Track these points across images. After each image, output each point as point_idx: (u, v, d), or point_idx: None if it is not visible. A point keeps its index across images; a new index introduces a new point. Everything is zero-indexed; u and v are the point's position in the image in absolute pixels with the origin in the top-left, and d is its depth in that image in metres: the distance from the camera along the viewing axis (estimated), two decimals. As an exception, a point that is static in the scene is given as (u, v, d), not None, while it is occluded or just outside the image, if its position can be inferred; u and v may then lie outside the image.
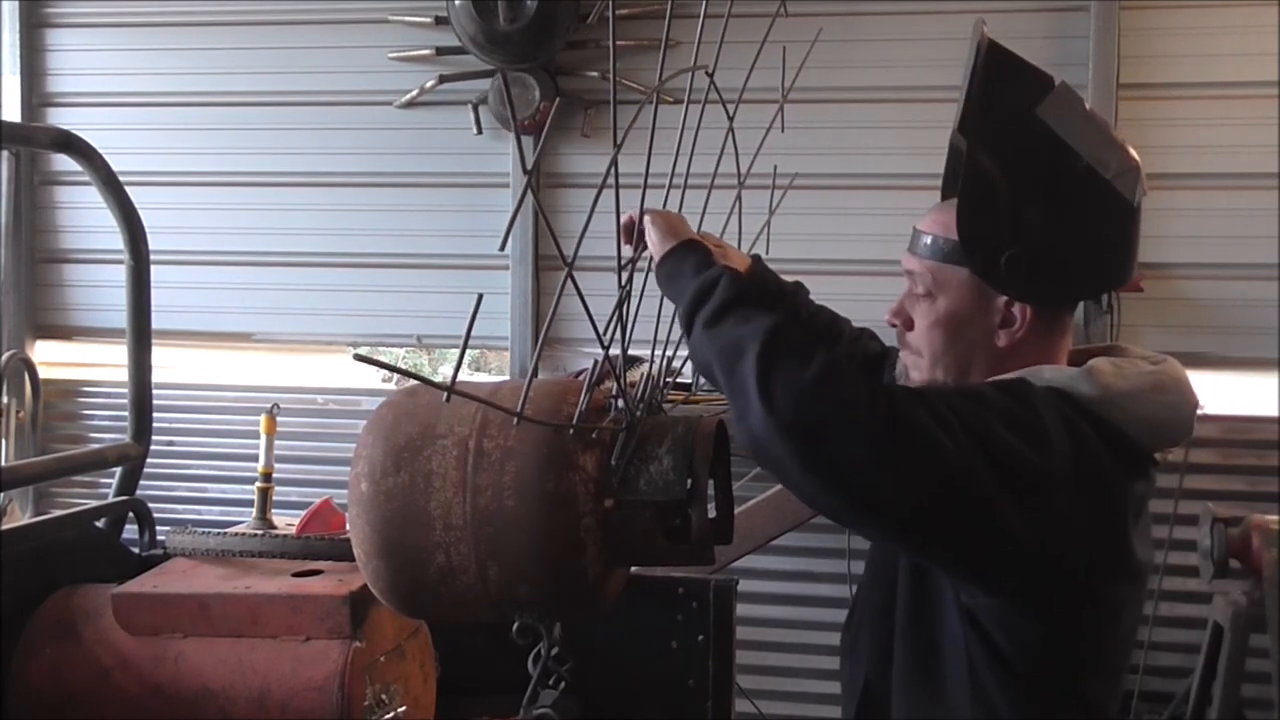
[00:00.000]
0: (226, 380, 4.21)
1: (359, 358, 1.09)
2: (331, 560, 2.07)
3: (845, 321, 1.79)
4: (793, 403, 1.09)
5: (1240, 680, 3.07)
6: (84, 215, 4.18)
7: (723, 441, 1.46)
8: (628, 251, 1.48)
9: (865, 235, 3.71)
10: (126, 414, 2.50)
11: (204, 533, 2.19)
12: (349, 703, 1.81)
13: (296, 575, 2.00)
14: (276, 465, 2.81)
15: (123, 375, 2.52)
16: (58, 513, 2.32)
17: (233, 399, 4.15)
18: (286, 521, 2.76)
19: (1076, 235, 1.27)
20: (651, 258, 1.45)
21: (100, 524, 2.33)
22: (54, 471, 2.48)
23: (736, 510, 1.62)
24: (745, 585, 2.49)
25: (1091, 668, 1.28)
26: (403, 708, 1.96)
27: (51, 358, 4.28)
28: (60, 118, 4.19)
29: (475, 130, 3.91)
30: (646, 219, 1.44)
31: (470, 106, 3.89)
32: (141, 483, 2.48)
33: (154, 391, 2.52)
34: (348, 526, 1.48)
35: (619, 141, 1.22)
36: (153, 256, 2.47)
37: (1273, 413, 3.58)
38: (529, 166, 1.11)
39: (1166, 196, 3.64)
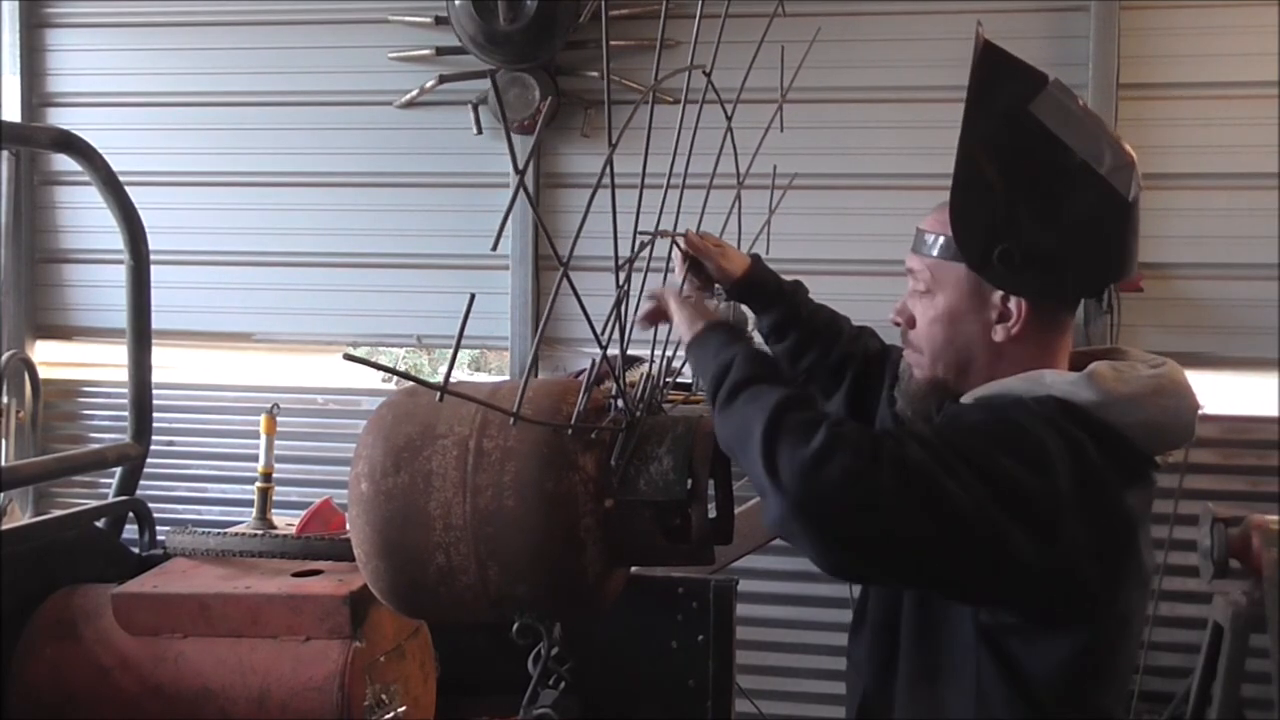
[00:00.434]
0: (226, 380, 4.21)
1: (350, 357, 1.09)
2: (331, 560, 2.07)
3: (845, 320, 1.79)
4: (797, 480, 1.11)
5: (1240, 680, 3.07)
6: (84, 215, 4.18)
7: (722, 441, 1.46)
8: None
9: (865, 235, 3.71)
10: (126, 414, 2.50)
11: (204, 533, 2.19)
12: (349, 703, 1.81)
13: (296, 575, 2.00)
14: (276, 465, 2.81)
15: (123, 375, 2.52)
16: (58, 513, 2.32)
17: (233, 399, 4.15)
18: (286, 521, 2.76)
19: (1070, 229, 1.27)
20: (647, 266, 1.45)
21: (100, 524, 2.33)
22: (54, 471, 2.48)
23: (736, 510, 1.62)
24: (745, 585, 2.49)
25: (1105, 678, 1.28)
26: (403, 708, 1.96)
27: (51, 358, 4.28)
28: (60, 118, 4.19)
29: (475, 130, 3.91)
30: (671, 304, 1.46)
31: (470, 106, 3.89)
32: (141, 483, 2.48)
33: (154, 391, 2.53)
34: (348, 526, 1.48)
35: (614, 141, 1.22)
36: (153, 256, 2.47)
37: (1273, 413, 3.58)
38: (519, 166, 1.11)
39: (1166, 196, 3.64)
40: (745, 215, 1.86)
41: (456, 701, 2.23)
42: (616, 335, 1.42)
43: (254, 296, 4.14)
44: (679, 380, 1.86)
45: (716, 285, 1.70)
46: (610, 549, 1.41)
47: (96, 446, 2.84)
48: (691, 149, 1.50)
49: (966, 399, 1.35)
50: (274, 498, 2.78)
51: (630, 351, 1.52)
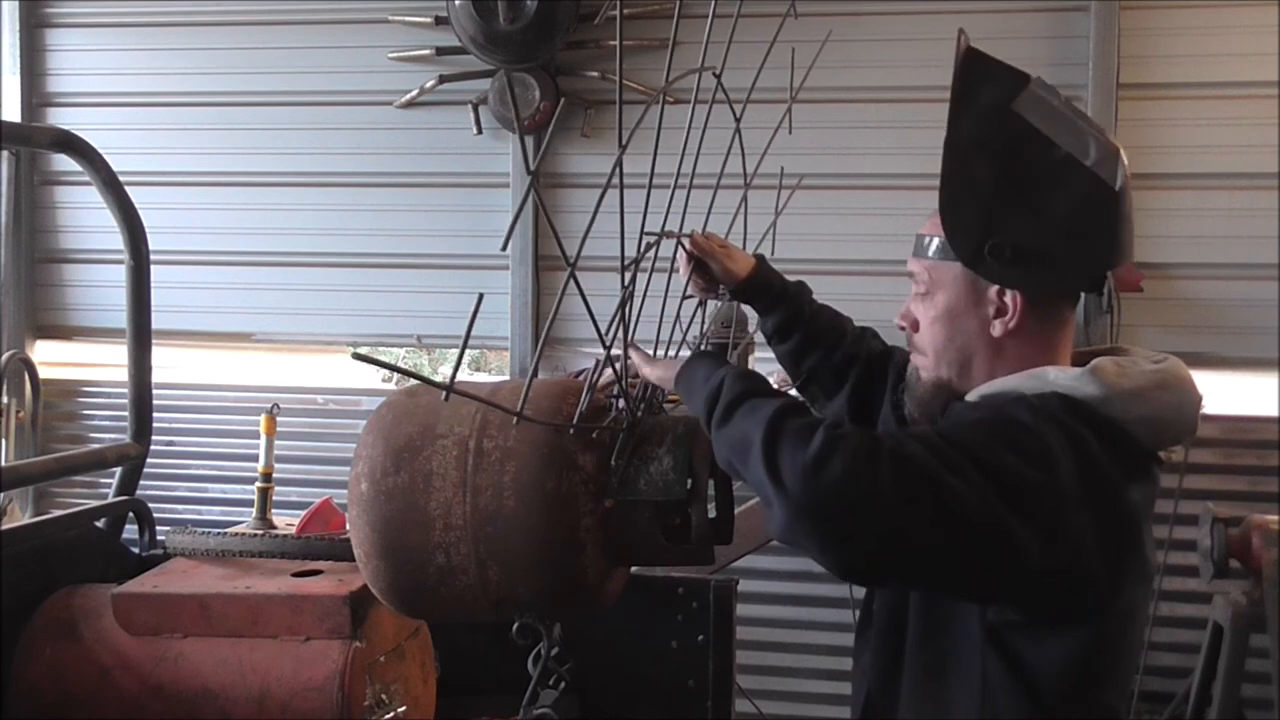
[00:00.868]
0: (226, 380, 4.21)
1: (359, 356, 1.09)
2: (331, 560, 2.07)
3: (848, 321, 1.79)
4: (800, 483, 1.11)
5: (1240, 680, 3.06)
6: (84, 215, 4.19)
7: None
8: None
9: (866, 235, 3.71)
10: (126, 414, 2.50)
11: (204, 533, 2.19)
12: (349, 703, 1.81)
13: (296, 575, 2.00)
14: (276, 465, 2.81)
15: (123, 375, 2.52)
16: (58, 513, 2.32)
17: (233, 399, 4.15)
18: (286, 521, 2.76)
19: (1059, 221, 1.29)
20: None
21: (100, 524, 2.33)
22: (54, 471, 2.48)
23: (736, 510, 1.62)
24: (745, 585, 2.49)
25: (1110, 675, 1.29)
26: (403, 708, 1.96)
27: (51, 358, 4.28)
28: (60, 118, 4.19)
29: (475, 130, 3.91)
30: (643, 369, 1.47)
31: (470, 106, 3.89)
32: (141, 483, 2.48)
33: (154, 391, 2.53)
34: (348, 526, 1.48)
35: (624, 142, 1.22)
36: (153, 256, 2.47)
37: (1273, 413, 3.58)
38: (532, 167, 1.11)
39: (1166, 196, 3.65)
40: (750, 215, 1.86)
41: (456, 701, 2.23)
42: (619, 336, 1.42)
43: (254, 296, 4.15)
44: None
45: (720, 286, 1.70)
46: (610, 549, 1.41)
47: (96, 446, 2.84)
48: (700, 149, 1.50)
49: (970, 397, 1.35)
50: (274, 498, 2.78)
51: (633, 345, 1.51)
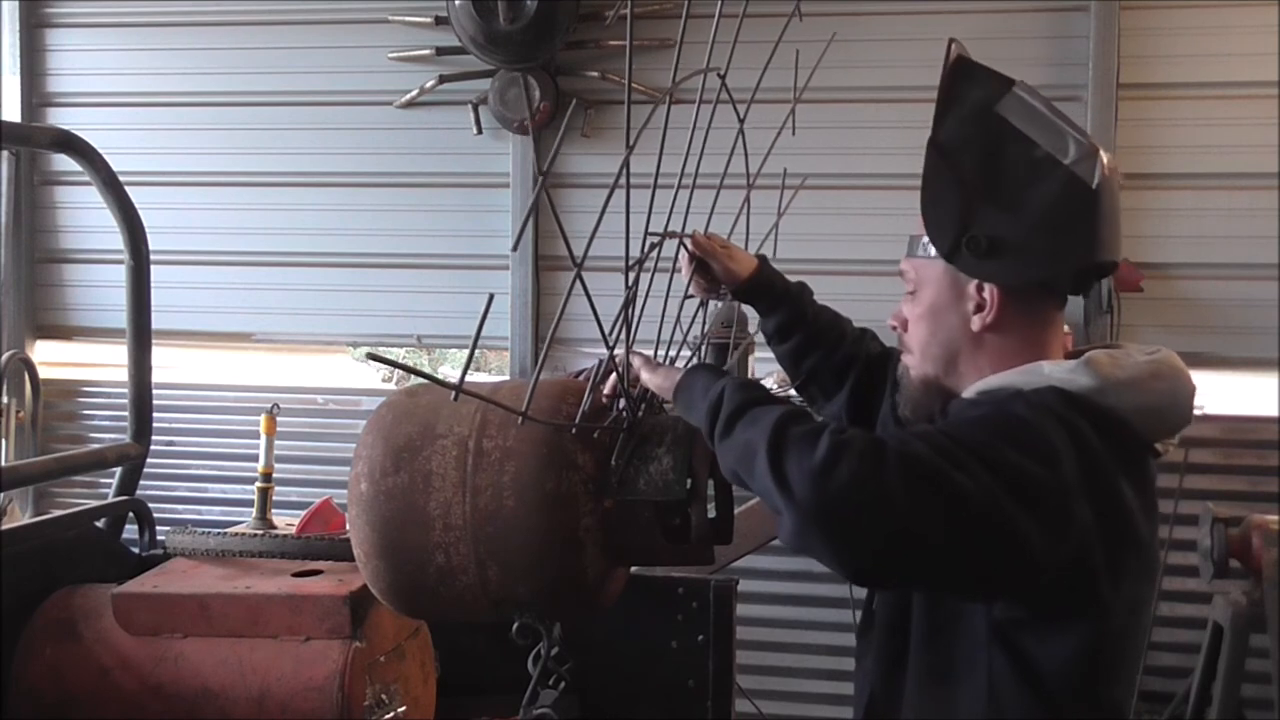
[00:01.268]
0: (226, 380, 4.21)
1: (373, 356, 1.10)
2: (331, 560, 2.07)
3: (847, 322, 1.80)
4: (809, 488, 1.11)
5: (1240, 680, 3.06)
6: (84, 215, 4.18)
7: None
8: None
9: (866, 235, 3.71)
10: (126, 414, 2.50)
11: (204, 533, 2.19)
12: (349, 703, 1.81)
13: (296, 575, 2.00)
14: (276, 465, 2.81)
15: (123, 375, 2.52)
16: (58, 513, 2.32)
17: (233, 399, 4.15)
18: (286, 521, 2.76)
19: (1035, 216, 1.31)
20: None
21: (100, 524, 2.33)
22: (54, 471, 2.48)
23: (736, 510, 1.62)
24: (745, 585, 2.49)
25: (1116, 670, 1.30)
26: (403, 708, 1.96)
27: (51, 358, 4.28)
28: (60, 118, 4.19)
29: (475, 130, 3.91)
30: (643, 373, 1.47)
31: (470, 106, 3.89)
32: (141, 483, 2.48)
33: (154, 391, 2.53)
34: (348, 526, 1.48)
35: (631, 143, 1.22)
36: (153, 256, 2.47)
37: (1273, 413, 3.58)
38: (543, 168, 1.11)
39: (1166, 196, 3.65)
40: (751, 215, 1.86)
41: (456, 701, 2.23)
42: (623, 336, 1.42)
43: (254, 296, 4.15)
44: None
45: (722, 286, 1.71)
46: (610, 549, 1.41)
47: (96, 446, 2.84)
48: (703, 150, 1.50)
49: (967, 394, 1.36)
50: (274, 498, 2.78)
51: (634, 351, 1.51)
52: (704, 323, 1.80)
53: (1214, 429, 3.61)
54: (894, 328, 1.46)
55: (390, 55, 3.97)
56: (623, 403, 1.45)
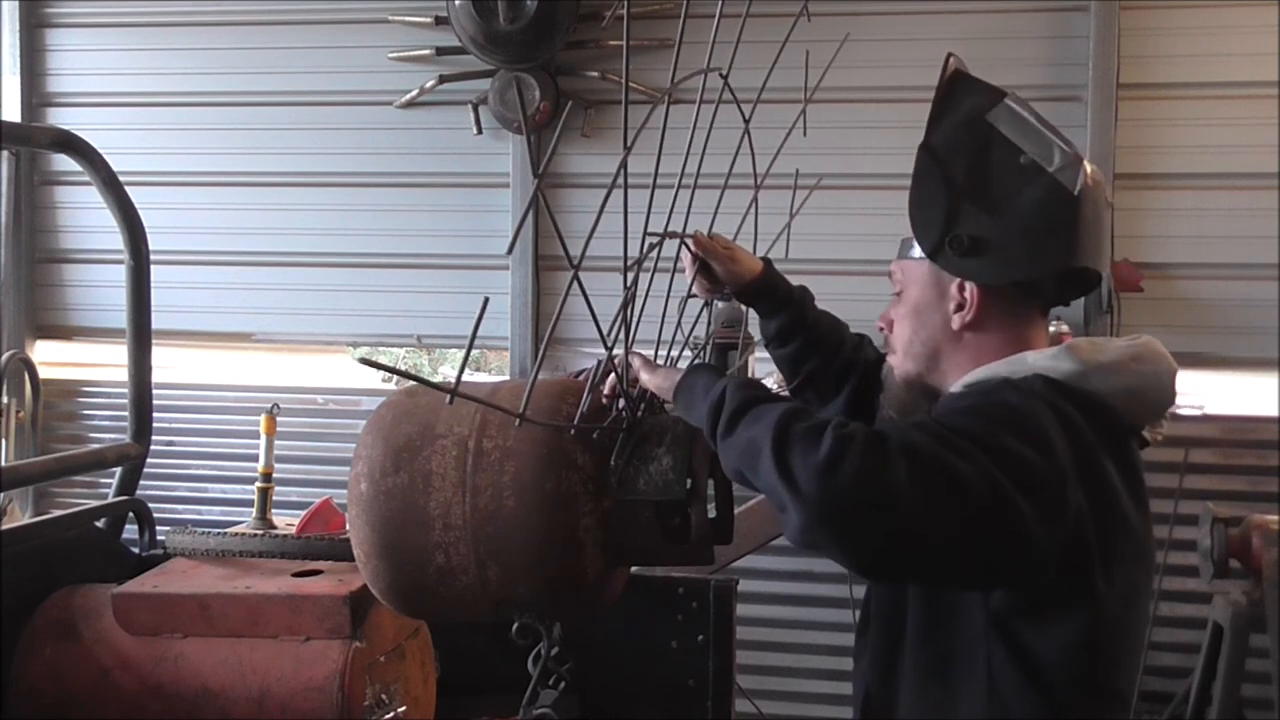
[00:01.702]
0: (226, 380, 4.21)
1: (366, 362, 1.10)
2: (331, 560, 2.07)
3: (845, 327, 1.81)
4: (815, 483, 1.12)
5: (1240, 680, 3.06)
6: (84, 215, 4.19)
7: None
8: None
9: (866, 235, 3.70)
10: (126, 414, 2.50)
11: (204, 533, 2.19)
12: (349, 703, 1.81)
13: (296, 575, 2.00)
14: (276, 465, 2.81)
15: (123, 375, 2.52)
16: (58, 513, 2.32)
17: (233, 399, 4.15)
18: (286, 521, 2.75)
19: (1017, 218, 1.35)
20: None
21: (100, 524, 2.33)
22: (54, 471, 2.48)
23: (736, 510, 1.62)
24: (745, 585, 2.49)
25: (1114, 658, 1.31)
26: (403, 708, 1.96)
27: (51, 358, 4.28)
28: (60, 118, 4.19)
29: (475, 130, 3.91)
30: (642, 375, 1.47)
31: (470, 106, 3.89)
32: (141, 483, 2.48)
33: (154, 391, 2.53)
34: (347, 526, 1.48)
35: (629, 143, 1.22)
36: (153, 256, 2.47)
37: (1273, 413, 3.58)
38: (539, 169, 1.12)
39: (1166, 196, 3.65)
40: (751, 216, 1.86)
41: (456, 701, 2.23)
42: (621, 336, 1.42)
43: (254, 296, 4.15)
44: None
45: (725, 287, 1.71)
46: (610, 549, 1.41)
47: (96, 446, 2.84)
48: (705, 150, 1.50)
49: (954, 389, 1.39)
50: (274, 498, 2.78)
51: (633, 351, 1.51)
52: (708, 323, 1.80)
53: (1214, 429, 3.61)
54: (881, 329, 1.51)
55: (390, 55, 3.97)
56: (622, 403, 1.45)
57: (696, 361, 1.69)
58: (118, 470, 2.45)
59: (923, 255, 1.41)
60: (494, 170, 3.96)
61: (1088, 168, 1.37)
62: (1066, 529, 1.20)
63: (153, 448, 2.53)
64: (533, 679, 1.42)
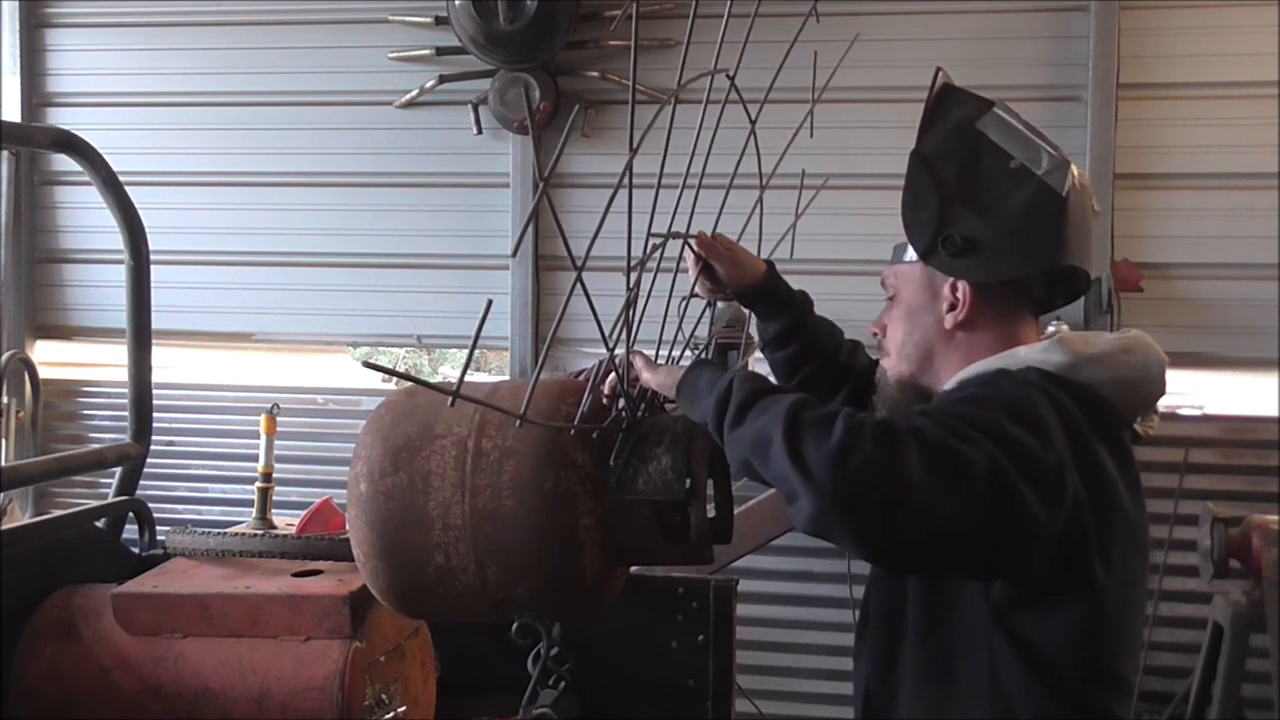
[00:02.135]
0: (226, 380, 4.21)
1: (369, 365, 1.10)
2: (331, 560, 2.07)
3: (840, 332, 1.82)
4: (828, 470, 1.13)
5: (1240, 680, 3.07)
6: (84, 215, 4.19)
7: (722, 441, 1.46)
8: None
9: (866, 235, 3.69)
10: (126, 414, 2.50)
11: (204, 533, 2.19)
12: (349, 703, 1.81)
13: (296, 575, 2.00)
14: (276, 465, 2.81)
15: (123, 375, 2.52)
16: (58, 513, 2.32)
17: (233, 399, 4.15)
18: (286, 521, 2.76)
19: (1006, 219, 1.39)
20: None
21: (100, 524, 2.33)
22: (54, 471, 2.48)
23: (736, 510, 1.62)
24: (745, 585, 2.49)
25: (1116, 644, 1.32)
26: (403, 708, 1.96)
27: (51, 358, 4.28)
28: (60, 118, 4.19)
29: (475, 130, 3.91)
30: (644, 374, 1.48)
31: (470, 106, 3.89)
32: (141, 483, 2.48)
33: (154, 391, 2.52)
34: (347, 527, 1.48)
35: (635, 145, 1.22)
36: (153, 256, 2.47)
37: (1273, 413, 3.58)
38: (545, 172, 1.12)
39: (1166, 196, 3.65)
40: (755, 217, 1.86)
41: (456, 701, 2.23)
42: (623, 336, 1.42)
43: (254, 296, 4.14)
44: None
45: (727, 288, 1.71)
46: (609, 549, 1.41)
47: (96, 446, 2.84)
48: (710, 150, 1.50)
49: (947, 386, 1.40)
50: (274, 498, 2.78)
51: (635, 351, 1.51)
52: (711, 323, 1.80)
53: (1214, 429, 3.61)
54: (874, 334, 1.53)
55: (390, 55, 3.97)
56: (622, 402, 1.45)
57: (698, 358, 1.69)
58: (118, 470, 2.45)
59: (915, 259, 1.44)
60: (494, 170, 3.96)
61: (1075, 171, 1.40)
62: (1064, 513, 1.22)
63: (153, 448, 2.53)
64: (532, 679, 1.42)
